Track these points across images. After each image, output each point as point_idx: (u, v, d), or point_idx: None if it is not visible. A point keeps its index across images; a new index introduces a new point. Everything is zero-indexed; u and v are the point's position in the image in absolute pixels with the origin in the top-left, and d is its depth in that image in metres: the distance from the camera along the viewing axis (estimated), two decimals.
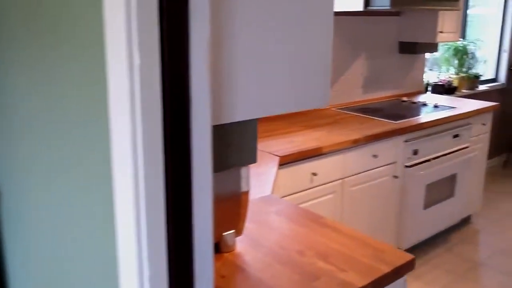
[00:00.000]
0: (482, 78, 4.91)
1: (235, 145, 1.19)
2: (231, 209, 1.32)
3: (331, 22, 1.12)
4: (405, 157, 3.01)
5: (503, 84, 5.27)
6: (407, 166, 3.02)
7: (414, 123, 3.01)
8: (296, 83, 1.08)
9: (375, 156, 2.79)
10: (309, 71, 1.09)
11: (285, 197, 2.37)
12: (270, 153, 2.32)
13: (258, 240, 1.43)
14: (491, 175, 4.88)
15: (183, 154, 0.82)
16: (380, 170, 2.87)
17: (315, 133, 2.71)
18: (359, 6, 3.00)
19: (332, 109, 3.41)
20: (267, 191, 1.80)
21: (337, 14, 3.30)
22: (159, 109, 0.77)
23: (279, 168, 2.30)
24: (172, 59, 0.78)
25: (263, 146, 2.42)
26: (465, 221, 3.84)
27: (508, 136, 5.44)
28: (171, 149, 0.80)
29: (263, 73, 1.01)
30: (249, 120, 1.13)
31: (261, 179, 1.91)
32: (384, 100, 3.80)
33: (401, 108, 3.47)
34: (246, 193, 1.34)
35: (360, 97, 3.68)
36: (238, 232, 1.38)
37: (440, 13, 3.58)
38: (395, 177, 2.98)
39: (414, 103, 3.68)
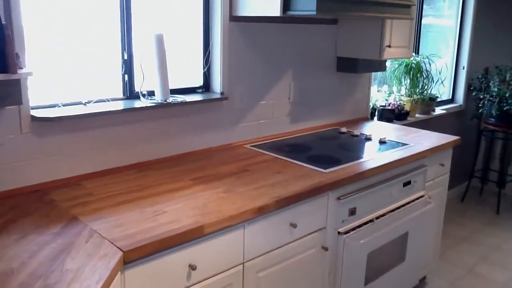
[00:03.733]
0: (438, 100, 4.19)
1: None
2: None
3: None
4: (338, 220, 2.17)
5: (460, 105, 4.58)
6: (341, 233, 2.18)
7: (351, 172, 2.18)
8: None
9: (293, 225, 1.94)
10: None
11: None
12: (111, 242, 1.42)
13: None
14: (447, 213, 4.14)
15: None
16: (302, 242, 2.01)
17: (205, 194, 1.82)
18: (275, 10, 2.15)
19: (246, 146, 2.54)
20: None
21: (251, 20, 2.45)
22: None
23: (126, 269, 1.40)
24: None
25: (102, 224, 1.51)
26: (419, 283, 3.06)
27: (466, 163, 4.76)
28: None
29: None
30: None
31: None
32: (319, 130, 2.98)
33: (336, 145, 2.64)
34: None
35: (287, 128, 2.83)
36: None
37: (388, 23, 2.79)
38: (325, 248, 2.13)
39: (356, 136, 2.87)
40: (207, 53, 2.40)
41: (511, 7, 4.99)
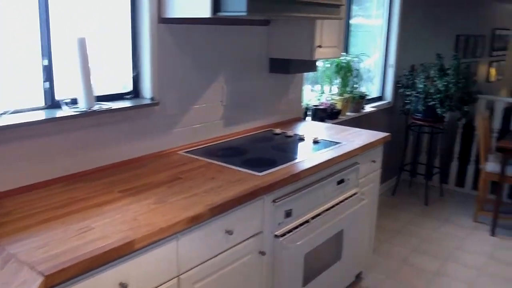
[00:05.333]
0: (368, 97, 4.32)
1: None
2: None
3: None
4: (274, 223, 2.16)
5: (389, 102, 4.75)
6: (278, 236, 2.18)
7: (286, 173, 2.18)
8: None
9: (229, 232, 1.91)
10: None
11: None
12: (31, 266, 1.31)
13: None
14: (379, 207, 4.28)
15: None
16: (238, 249, 1.99)
17: (135, 207, 1.75)
18: (205, 11, 2.11)
19: (180, 152, 2.48)
20: None
21: (181, 21, 2.39)
22: None
23: None
24: None
25: (22, 247, 1.40)
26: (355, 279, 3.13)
27: (396, 157, 4.95)
28: None
29: None
30: None
31: None
32: (254, 132, 2.96)
33: (271, 147, 2.64)
34: None
35: (221, 131, 2.80)
36: None
37: (318, 23, 2.82)
38: (262, 253, 2.12)
39: (290, 136, 2.88)
40: (135, 57, 2.31)
41: (434, 9, 5.25)
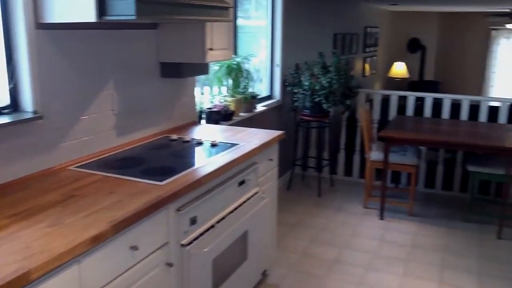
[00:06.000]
0: (259, 97, 4.41)
1: None
2: None
3: None
4: (180, 232, 2.10)
5: (278, 101, 4.89)
6: (184, 245, 2.12)
7: (188, 180, 2.13)
8: None
9: (134, 247, 1.81)
10: None
11: None
12: None
13: None
14: (277, 202, 4.40)
15: None
16: (145, 264, 1.90)
17: (27, 233, 1.58)
18: (90, 15, 1.97)
19: (70, 168, 2.30)
20: None
21: (63, 27, 2.22)
22: None
23: None
24: None
25: None
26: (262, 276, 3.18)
27: (288, 153, 5.12)
28: None
29: None
30: None
31: None
32: (149, 140, 2.86)
33: (169, 154, 2.57)
34: None
35: (115, 141, 2.65)
36: None
37: (208, 26, 2.80)
38: (169, 264, 2.05)
39: (187, 141, 2.83)
40: (11, 68, 2.09)
41: (313, 9, 5.51)
